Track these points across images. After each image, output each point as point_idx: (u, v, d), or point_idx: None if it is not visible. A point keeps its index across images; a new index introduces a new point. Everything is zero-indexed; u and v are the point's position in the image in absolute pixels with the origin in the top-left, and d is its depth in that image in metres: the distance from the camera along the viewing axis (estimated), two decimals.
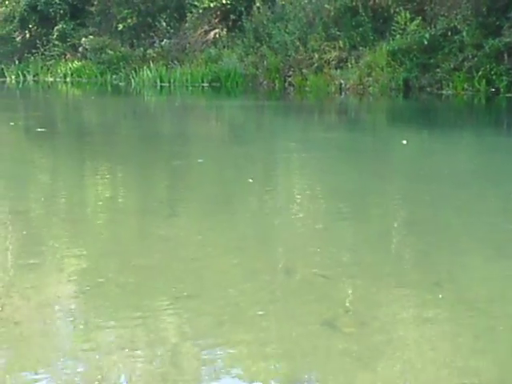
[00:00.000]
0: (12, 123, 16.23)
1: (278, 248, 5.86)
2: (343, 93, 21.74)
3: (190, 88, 24.48)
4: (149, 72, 25.69)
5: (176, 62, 25.95)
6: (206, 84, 24.73)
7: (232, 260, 5.39)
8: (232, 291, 4.67)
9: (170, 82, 25.34)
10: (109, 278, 4.98)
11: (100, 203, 7.66)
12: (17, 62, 29.70)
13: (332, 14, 23.48)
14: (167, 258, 5.44)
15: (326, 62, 22.74)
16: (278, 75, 23.64)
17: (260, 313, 4.30)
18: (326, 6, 23.67)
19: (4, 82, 28.80)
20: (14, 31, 30.11)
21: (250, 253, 5.57)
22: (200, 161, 9.99)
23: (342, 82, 22.02)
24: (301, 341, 3.91)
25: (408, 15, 21.77)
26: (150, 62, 26.09)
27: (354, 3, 22.94)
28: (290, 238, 6.06)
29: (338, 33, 23.01)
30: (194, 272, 5.06)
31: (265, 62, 24.02)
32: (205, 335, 4.01)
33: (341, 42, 22.75)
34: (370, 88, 21.41)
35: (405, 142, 11.39)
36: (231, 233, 6.18)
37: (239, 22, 25.80)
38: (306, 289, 4.69)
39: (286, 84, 23.47)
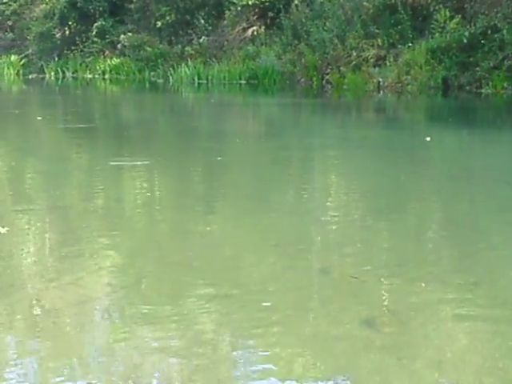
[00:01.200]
0: (44, 118, 16.37)
1: (315, 247, 5.84)
2: (381, 91, 21.63)
3: (228, 85, 24.51)
4: (187, 69, 25.74)
5: (214, 59, 25.99)
6: (243, 81, 24.73)
7: (269, 258, 5.38)
8: (269, 290, 4.66)
9: (207, 80, 25.38)
10: (146, 274, 5.00)
11: (137, 199, 7.69)
12: (56, 59, 29.91)
13: (371, 11, 23.35)
14: (205, 255, 5.44)
15: (364, 59, 22.63)
16: (315, 73, 23.58)
17: (298, 312, 4.29)
18: (365, 3, 23.56)
19: (43, 79, 29.04)
20: (54, 28, 30.31)
21: (287, 251, 5.55)
22: (237, 157, 10.00)
23: (380, 80, 21.90)
24: (339, 340, 3.89)
25: (448, 13, 21.58)
26: (188, 59, 26.15)
27: (393, 1, 22.79)
28: (326, 236, 6.04)
29: (376, 30, 22.88)
30: (231, 270, 5.06)
31: (302, 60, 23.96)
32: (241, 334, 4.01)
33: (379, 39, 22.62)
34: (409, 86, 21.26)
35: (428, 138, 11.33)
36: (268, 231, 6.17)
37: (277, 20, 25.76)
38: (344, 288, 4.67)
39: (324, 82, 23.39)
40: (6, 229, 6.03)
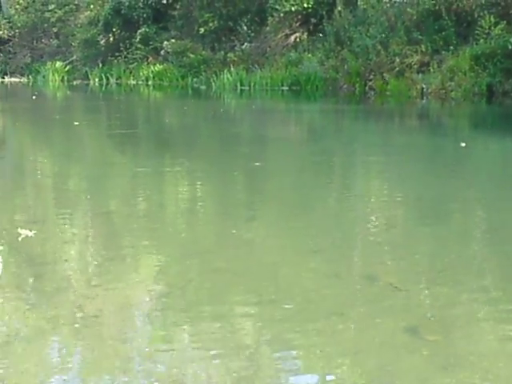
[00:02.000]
0: (87, 124, 16.50)
1: (358, 253, 5.80)
2: (425, 97, 21.48)
3: (270, 92, 24.51)
4: (229, 75, 25.81)
5: (256, 65, 26.02)
6: (285, 88, 24.72)
7: (311, 264, 5.35)
8: (312, 296, 4.63)
9: (249, 86, 25.41)
10: (188, 280, 4.99)
11: (179, 205, 7.71)
12: (100, 65, 30.16)
13: (414, 17, 23.22)
14: (246, 261, 5.43)
15: (407, 66, 22.50)
16: (358, 79, 23.49)
17: (340, 318, 4.26)
18: (409, 9, 23.43)
19: (88, 85, 29.30)
20: (99, 35, 30.58)
21: (329, 258, 5.52)
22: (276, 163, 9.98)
23: (424, 86, 21.76)
24: (383, 347, 3.85)
25: (492, 19, 21.38)
26: (231, 65, 26.22)
27: (437, 7, 22.64)
28: (369, 243, 6.00)
29: (420, 37, 22.74)
30: (273, 276, 5.04)
31: (345, 66, 23.89)
32: (282, 340, 3.99)
33: (423, 46, 22.48)
34: (453, 93, 21.09)
35: (463, 144, 11.23)
36: (310, 237, 6.14)
37: (320, 26, 25.72)
38: (388, 295, 4.62)
39: (367, 88, 23.30)
40: (33, 232, 6.07)
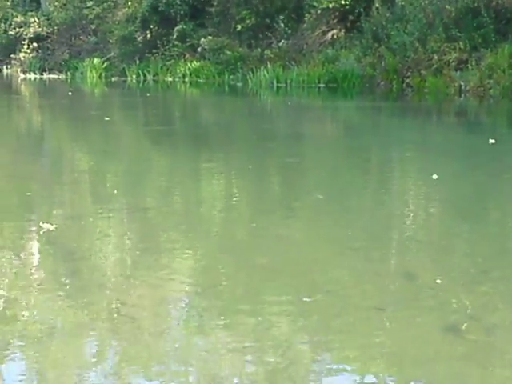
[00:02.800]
0: (123, 120, 16.57)
1: (396, 251, 5.76)
2: (463, 95, 21.29)
3: (306, 89, 24.44)
4: (266, 72, 25.76)
5: (293, 62, 25.96)
6: (322, 85, 24.62)
7: (350, 262, 5.32)
8: (350, 293, 4.61)
9: (286, 83, 25.34)
10: (225, 277, 4.99)
11: (216, 202, 7.71)
12: (137, 62, 30.25)
13: (453, 14, 23.00)
14: (284, 258, 5.41)
15: (445, 63, 22.30)
16: (395, 76, 23.32)
17: (379, 316, 4.23)
18: (447, 6, 23.22)
19: (125, 82, 29.44)
20: (136, 31, 30.68)
21: (369, 255, 5.49)
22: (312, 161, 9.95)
23: (462, 83, 21.55)
24: (422, 346, 3.82)
25: None
26: (267, 62, 26.18)
27: (475, 4, 22.41)
28: (408, 240, 5.95)
29: (458, 34, 22.52)
30: (311, 273, 5.02)
31: (383, 63, 23.74)
32: (319, 337, 3.97)
33: (461, 43, 22.26)
34: (491, 90, 20.87)
35: (493, 141, 11.10)
36: (348, 234, 6.11)
37: (357, 23, 25.58)
38: (428, 293, 4.58)
39: (404, 85, 23.13)
40: (54, 226, 6.11)
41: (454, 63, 22.24)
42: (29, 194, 8.02)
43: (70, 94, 23.92)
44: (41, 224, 6.08)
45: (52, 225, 6.09)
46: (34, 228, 6.22)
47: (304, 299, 4.47)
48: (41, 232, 5.97)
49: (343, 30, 26.66)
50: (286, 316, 4.28)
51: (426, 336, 3.93)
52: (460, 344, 3.80)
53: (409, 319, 4.20)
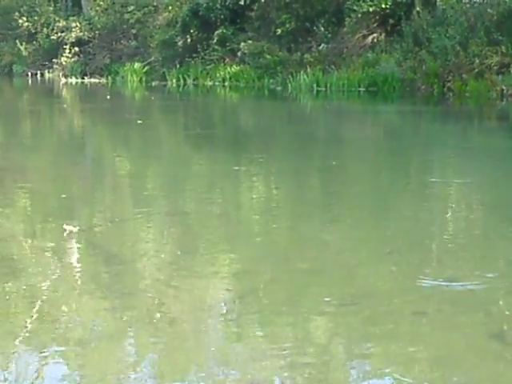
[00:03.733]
0: (164, 124, 16.64)
1: (437, 256, 5.71)
2: (505, 99, 21.07)
3: (346, 93, 24.37)
4: (305, 76, 25.72)
5: (333, 66, 25.90)
6: (362, 89, 24.54)
7: (391, 266, 5.29)
8: (391, 298, 4.58)
9: (326, 87, 25.28)
10: (266, 281, 4.98)
11: (256, 205, 7.71)
12: (178, 66, 30.38)
13: (495, 18, 22.80)
14: (325, 262, 5.39)
15: (487, 67, 22.09)
16: (436, 80, 23.17)
17: (421, 321, 4.19)
18: (489, 10, 23.02)
19: (165, 86, 29.58)
20: (176, 36, 30.80)
21: (410, 259, 5.45)
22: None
23: (504, 87, 21.33)
24: (467, 352, 3.78)
25: None
26: (307, 66, 26.14)
27: None
28: (449, 246, 5.90)
29: (500, 37, 22.31)
30: (352, 277, 4.99)
31: (423, 67, 23.58)
32: (360, 339, 3.95)
33: (503, 46, 22.04)
34: None
35: None
36: (389, 239, 6.07)
37: (398, 27, 25.44)
38: (471, 299, 4.53)
39: (445, 89, 22.96)
40: (77, 228, 6.15)
41: (495, 67, 22.03)
42: (69, 196, 8.09)
43: (108, 97, 24.09)
44: (64, 226, 6.13)
45: (75, 227, 6.13)
46: (75, 231, 6.27)
47: (345, 303, 4.45)
48: (64, 234, 6.01)
49: (383, 34, 26.53)
50: (326, 320, 4.26)
51: (471, 342, 3.88)
52: (506, 351, 3.75)
53: (452, 325, 4.15)
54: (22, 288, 4.76)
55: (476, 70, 22.18)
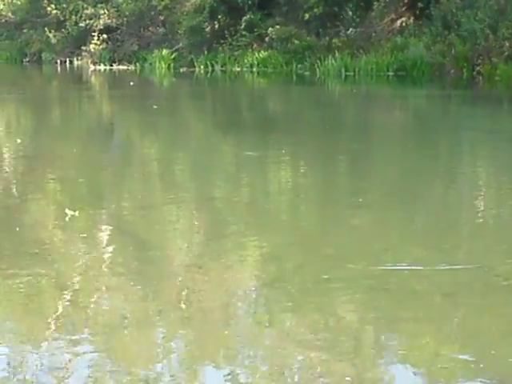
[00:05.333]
0: (193, 111, 16.65)
1: (468, 241, 5.68)
2: None
3: (375, 77, 24.24)
4: (334, 61, 25.61)
5: (361, 51, 25.75)
6: (391, 73, 24.39)
7: (421, 251, 5.27)
8: (422, 284, 4.56)
9: (354, 72, 25.16)
10: (294, 267, 4.99)
11: (284, 191, 7.70)
12: (206, 53, 30.36)
13: None
14: (354, 248, 5.39)
15: None
16: (466, 64, 22.97)
17: (454, 307, 4.18)
18: None
19: (193, 72, 29.57)
20: (204, 22, 30.75)
21: (439, 245, 5.43)
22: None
23: None
24: (498, 334, 3.77)
25: None
26: (335, 51, 26.03)
27: None
28: (480, 233, 5.87)
29: None
30: (382, 262, 4.97)
31: (453, 51, 23.40)
32: (391, 326, 3.94)
33: None
34: None
35: None
36: (418, 225, 6.05)
37: (427, 10, 25.24)
38: (502, 283, 4.51)
39: (475, 73, 22.76)
40: (77, 212, 6.20)
41: None
42: (98, 183, 8.15)
43: (131, 84, 24.16)
44: (66, 210, 6.20)
45: (75, 211, 6.19)
46: (104, 217, 6.32)
47: (375, 288, 4.45)
48: (66, 218, 6.07)
49: (412, 18, 26.33)
50: (356, 305, 4.26)
51: (504, 327, 3.87)
52: None
53: (486, 310, 4.14)
54: (52, 274, 4.80)
55: (506, 54, 21.97)
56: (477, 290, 4.47)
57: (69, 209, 6.26)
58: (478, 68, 22.80)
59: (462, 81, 22.22)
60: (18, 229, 5.97)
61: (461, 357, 3.60)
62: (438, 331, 3.89)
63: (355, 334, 3.90)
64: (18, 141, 11.55)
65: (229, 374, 3.46)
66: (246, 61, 29.07)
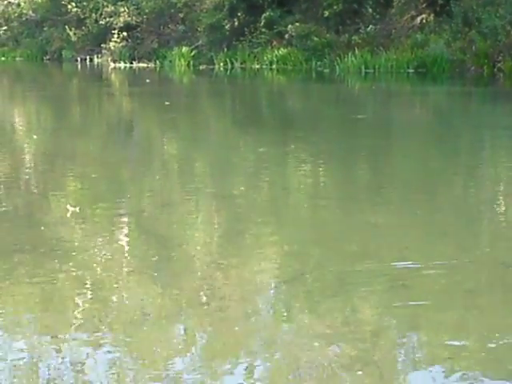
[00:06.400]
0: (213, 108, 16.66)
1: (489, 239, 5.65)
2: None
3: (395, 74, 24.18)
4: (353, 58, 25.59)
5: (381, 47, 25.70)
6: (411, 70, 24.33)
7: (441, 248, 5.25)
8: (443, 282, 4.55)
9: (374, 69, 25.12)
10: (314, 264, 4.97)
11: (303, 189, 7.69)
12: (225, 50, 30.41)
13: None
14: (375, 245, 5.37)
15: None
16: (486, 61, 22.87)
17: (474, 306, 4.16)
18: None
19: (213, 70, 29.61)
20: (224, 19, 30.79)
21: (460, 242, 5.40)
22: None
23: None
24: None
25: None
26: (355, 48, 25.99)
27: None
28: (501, 229, 5.84)
29: None
30: (403, 260, 4.95)
31: (473, 48, 23.30)
32: (411, 324, 3.93)
33: None
34: None
35: None
36: (440, 221, 6.02)
37: (447, 7, 25.14)
38: None
39: (496, 70, 22.66)
40: (77, 208, 6.25)
41: None
42: (118, 180, 8.17)
43: (147, 81, 24.22)
44: (67, 206, 6.27)
45: (75, 207, 6.25)
46: (125, 214, 6.33)
47: (395, 286, 4.43)
48: (67, 214, 6.13)
49: (432, 15, 26.24)
50: (376, 303, 4.24)
51: None
52: None
53: (502, 305, 4.12)
54: (73, 271, 4.82)
55: None
56: (498, 288, 4.44)
57: (70, 205, 6.34)
58: (498, 65, 22.69)
59: (483, 78, 22.11)
60: (42, 228, 5.99)
61: (482, 355, 3.58)
62: (459, 329, 3.87)
63: (376, 331, 3.88)
64: (34, 137, 11.63)
65: (249, 371, 3.45)
66: (265, 58, 29.08)
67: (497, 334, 3.73)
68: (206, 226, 6.09)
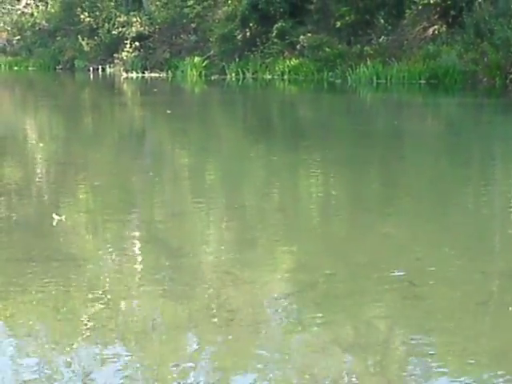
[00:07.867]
0: (224, 117, 16.67)
1: (501, 250, 5.63)
2: None
3: (407, 85, 24.16)
4: (365, 69, 25.58)
5: (393, 58, 25.69)
6: (423, 81, 24.30)
7: (453, 260, 5.23)
8: (454, 292, 4.53)
9: (386, 80, 25.11)
10: (325, 275, 4.96)
11: (314, 199, 7.68)
12: (237, 60, 30.46)
13: None
14: (386, 256, 5.35)
15: None
16: (499, 72, 22.82)
17: (485, 317, 4.14)
18: None
19: (224, 80, 29.66)
20: (236, 30, 30.85)
21: (472, 254, 5.38)
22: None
23: None
24: None
25: None
26: (367, 59, 26.00)
27: None
28: (511, 240, 5.82)
29: None
30: (415, 272, 4.94)
31: (485, 59, 23.26)
32: (421, 336, 3.91)
33: None
34: None
35: None
36: (452, 233, 6.01)
37: (459, 18, 25.13)
38: None
39: (508, 81, 22.62)
40: (63, 217, 6.24)
41: None
42: (130, 190, 8.18)
43: (155, 90, 24.27)
44: (53, 215, 6.26)
45: (61, 216, 6.24)
46: (136, 224, 6.33)
47: (407, 296, 4.42)
48: (53, 223, 6.12)
49: (444, 26, 26.21)
50: (387, 313, 4.23)
51: None
52: None
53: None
54: (85, 280, 4.82)
55: None
56: (510, 299, 4.42)
57: (56, 214, 6.34)
58: (510, 76, 22.65)
59: (495, 89, 22.07)
60: (53, 237, 6.00)
61: (494, 367, 3.56)
62: (471, 340, 3.85)
63: (387, 343, 3.87)
64: (46, 146, 11.67)
65: (259, 382, 3.44)
66: (277, 68, 29.10)
67: (510, 347, 3.71)
68: (217, 236, 6.08)
